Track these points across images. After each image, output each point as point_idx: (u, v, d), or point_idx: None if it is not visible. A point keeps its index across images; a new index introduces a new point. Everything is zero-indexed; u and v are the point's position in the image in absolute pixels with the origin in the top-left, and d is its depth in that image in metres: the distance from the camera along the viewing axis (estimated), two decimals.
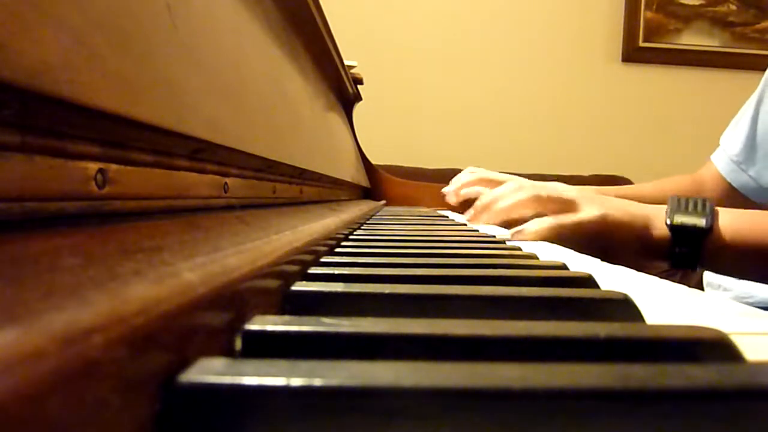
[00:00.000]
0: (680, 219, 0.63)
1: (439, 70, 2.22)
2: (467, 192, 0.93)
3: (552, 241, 0.62)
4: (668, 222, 0.63)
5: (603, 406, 0.13)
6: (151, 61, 0.24)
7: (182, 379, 0.12)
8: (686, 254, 0.63)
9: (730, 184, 0.88)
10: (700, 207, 0.64)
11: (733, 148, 0.87)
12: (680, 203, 0.65)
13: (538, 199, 0.66)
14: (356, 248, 0.39)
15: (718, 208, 0.65)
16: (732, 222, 0.63)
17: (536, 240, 0.63)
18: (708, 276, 0.89)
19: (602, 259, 0.45)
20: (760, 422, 0.13)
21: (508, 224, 0.72)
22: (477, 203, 0.72)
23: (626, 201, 0.69)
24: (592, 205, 0.65)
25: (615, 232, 0.64)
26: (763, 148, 0.83)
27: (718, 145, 0.92)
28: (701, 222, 0.62)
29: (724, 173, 0.88)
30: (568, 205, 0.65)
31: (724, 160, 0.89)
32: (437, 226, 0.69)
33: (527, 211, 0.68)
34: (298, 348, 0.17)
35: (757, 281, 0.75)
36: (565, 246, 0.58)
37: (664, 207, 0.65)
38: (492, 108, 2.24)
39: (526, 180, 0.75)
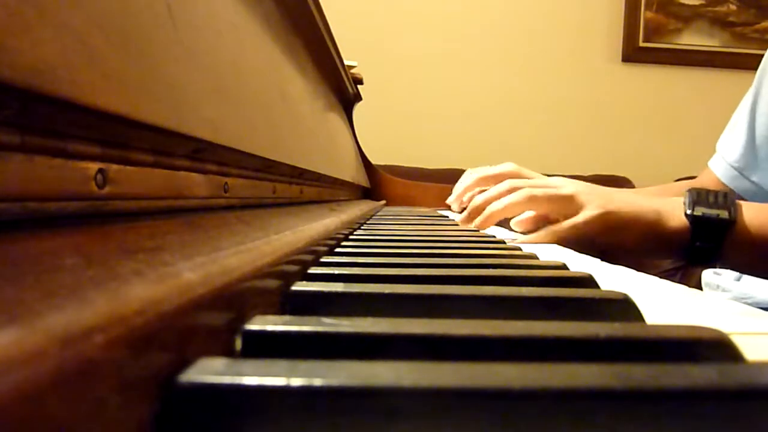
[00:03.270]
0: (702, 210, 0.59)
1: (439, 70, 2.22)
2: (471, 195, 0.89)
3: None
4: (689, 212, 0.59)
5: (603, 406, 0.13)
6: (151, 61, 0.24)
7: (182, 379, 0.12)
8: (707, 248, 0.59)
9: (732, 190, 0.81)
10: (721, 199, 0.61)
11: (731, 155, 0.82)
12: (700, 195, 0.61)
13: (533, 199, 0.63)
14: (356, 248, 0.39)
15: (741, 201, 0.61)
16: (758, 214, 0.60)
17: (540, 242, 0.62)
18: (706, 276, 0.87)
19: (602, 259, 0.45)
20: (760, 422, 0.13)
21: (501, 223, 0.71)
22: (470, 206, 0.68)
23: (632, 193, 0.67)
24: (592, 202, 0.62)
25: (619, 229, 0.61)
26: (763, 151, 0.78)
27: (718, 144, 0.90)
28: (725, 213, 0.59)
29: (725, 180, 0.82)
30: (566, 204, 0.63)
31: (723, 166, 0.83)
32: (437, 226, 0.69)
33: (522, 211, 0.66)
34: (298, 348, 0.17)
35: None
36: (565, 246, 0.58)
37: (678, 200, 0.62)
38: (492, 108, 2.24)
39: (521, 180, 0.72)
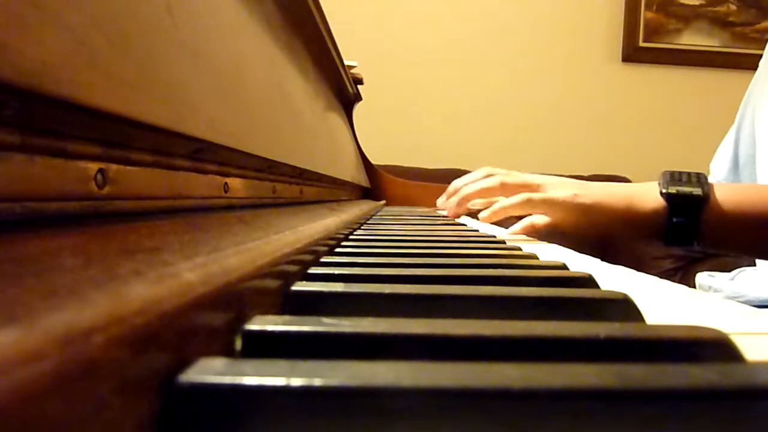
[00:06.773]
0: (677, 188, 0.63)
1: (439, 70, 2.22)
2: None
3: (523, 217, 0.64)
4: (664, 191, 0.63)
5: (603, 406, 0.13)
6: (151, 61, 0.24)
7: (182, 379, 0.12)
8: (683, 226, 0.62)
9: None
10: (694, 178, 0.64)
11: (719, 173, 0.86)
12: (674, 175, 0.65)
13: (504, 186, 0.68)
14: (356, 248, 0.39)
15: (715, 182, 0.64)
16: (730, 193, 0.63)
17: (505, 214, 0.65)
18: (700, 278, 0.89)
19: (602, 259, 0.45)
20: (760, 422, 0.13)
21: (472, 214, 0.75)
22: (447, 191, 0.75)
23: (606, 183, 0.70)
24: (562, 185, 0.66)
25: (591, 208, 0.64)
26: (745, 173, 0.81)
27: (718, 145, 0.91)
28: (698, 190, 0.62)
29: None
30: (534, 189, 0.67)
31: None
32: (437, 226, 0.69)
33: (495, 198, 0.70)
34: (298, 348, 0.17)
35: (757, 256, 0.74)
36: (563, 244, 0.58)
37: (652, 183, 0.66)
38: (492, 108, 2.24)
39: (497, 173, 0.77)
